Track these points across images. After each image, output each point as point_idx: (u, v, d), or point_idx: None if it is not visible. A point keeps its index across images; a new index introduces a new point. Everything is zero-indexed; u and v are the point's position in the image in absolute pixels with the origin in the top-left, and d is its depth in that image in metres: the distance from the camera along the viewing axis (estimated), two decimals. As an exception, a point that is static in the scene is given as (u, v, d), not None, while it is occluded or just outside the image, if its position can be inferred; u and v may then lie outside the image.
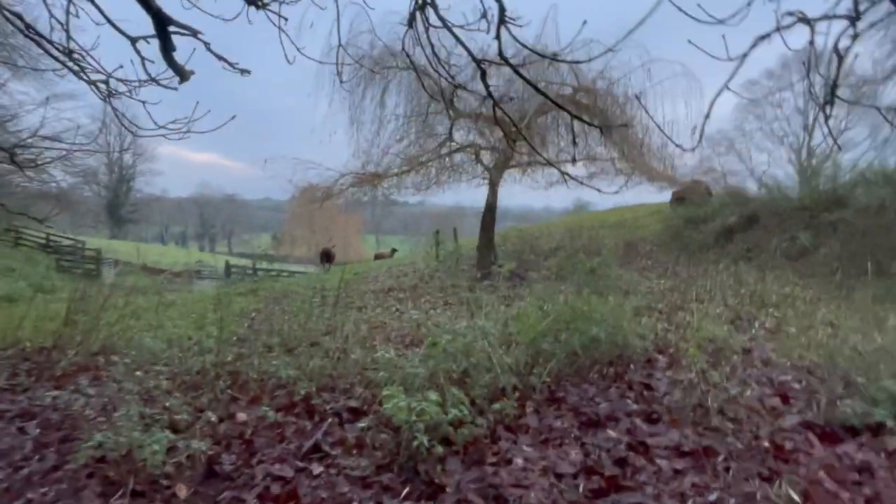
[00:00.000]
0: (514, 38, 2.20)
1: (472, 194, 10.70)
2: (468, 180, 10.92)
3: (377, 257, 22.75)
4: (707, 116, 2.14)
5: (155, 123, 2.70)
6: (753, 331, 5.58)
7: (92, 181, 66.27)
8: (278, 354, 4.51)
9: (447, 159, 10.31)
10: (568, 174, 9.19)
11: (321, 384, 3.78)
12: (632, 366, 4.32)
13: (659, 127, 10.23)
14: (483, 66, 2.22)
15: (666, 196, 15.00)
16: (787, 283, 7.54)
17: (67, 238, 26.58)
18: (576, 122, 10.35)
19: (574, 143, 9.73)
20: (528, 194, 10.26)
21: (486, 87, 2.29)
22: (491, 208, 10.12)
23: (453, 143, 10.57)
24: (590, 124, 9.90)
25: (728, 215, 10.98)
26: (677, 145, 2.20)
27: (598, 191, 10.68)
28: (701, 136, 2.21)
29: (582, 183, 9.84)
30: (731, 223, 10.63)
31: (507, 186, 10.54)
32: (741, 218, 10.47)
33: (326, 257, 22.61)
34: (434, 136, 10.75)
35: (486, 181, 10.59)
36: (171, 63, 2.03)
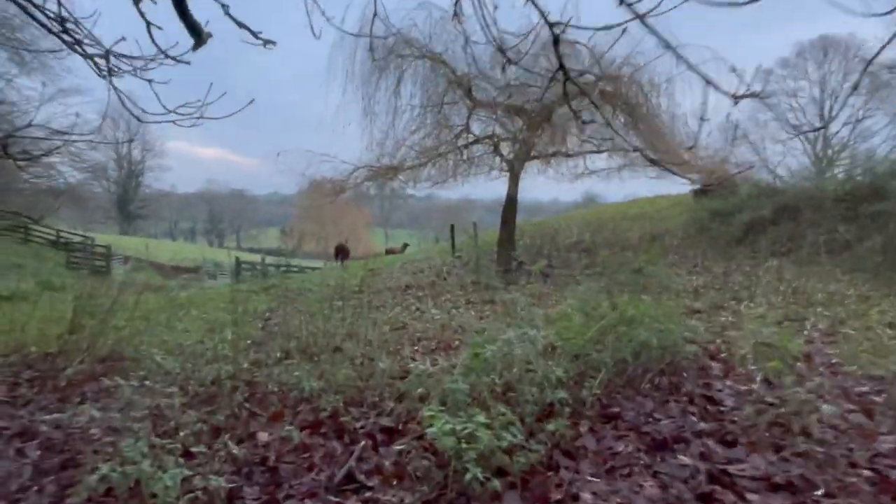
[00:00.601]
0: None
1: (481, 188, 10.32)
2: (486, 172, 10.52)
3: (388, 252, 22.40)
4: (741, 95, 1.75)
5: (164, 107, 2.33)
6: (806, 333, 5.17)
7: (101, 177, 66.53)
8: (298, 362, 4.17)
9: (465, 151, 9.91)
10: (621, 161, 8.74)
11: (348, 397, 3.43)
12: (685, 374, 3.95)
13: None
14: (555, 30, 1.83)
15: (683, 187, 14.52)
16: (832, 280, 7.10)
17: (77, 234, 26.46)
18: (600, 112, 9.92)
19: (579, 119, 9.34)
20: (543, 187, 9.80)
21: (559, 56, 1.89)
22: (512, 201, 9.73)
23: (470, 135, 10.17)
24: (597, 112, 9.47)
25: (758, 207, 10.51)
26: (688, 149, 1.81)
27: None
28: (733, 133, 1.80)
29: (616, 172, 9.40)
30: (762, 215, 10.16)
31: (527, 179, 10.15)
32: (773, 210, 10.00)
33: (341, 253, 22.32)
34: (450, 126, 10.35)
35: (505, 173, 10.19)
36: (186, 19, 1.66)
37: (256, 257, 26.63)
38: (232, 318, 5.40)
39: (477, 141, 9.92)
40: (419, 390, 3.09)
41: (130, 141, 53.57)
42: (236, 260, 19.66)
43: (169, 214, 79.50)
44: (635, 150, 8.77)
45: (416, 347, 5.12)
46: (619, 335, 3.76)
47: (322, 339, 4.95)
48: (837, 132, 36.90)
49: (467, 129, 10.22)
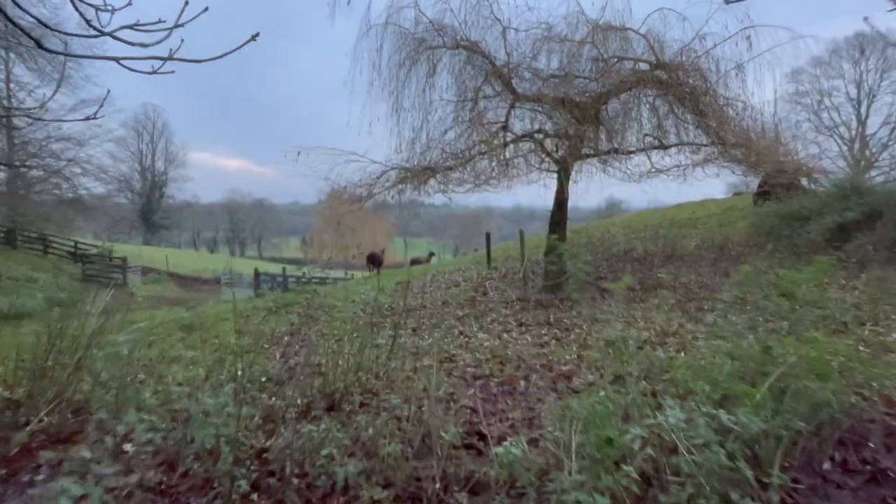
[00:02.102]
0: None
1: (503, 195, 9.02)
2: (531, 173, 9.39)
3: (414, 263, 21.33)
4: None
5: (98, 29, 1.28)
6: None
7: (126, 188, 67.35)
8: (324, 418, 3.09)
9: (509, 149, 8.80)
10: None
11: (400, 487, 2.34)
12: (872, 444, 2.76)
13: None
14: None
15: (711, 189, 13.19)
16: None
17: (94, 245, 26.05)
18: (665, 103, 8.75)
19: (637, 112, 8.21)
20: (597, 190, 8.61)
21: None
22: (562, 205, 8.56)
23: (510, 133, 9.07)
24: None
25: (841, 210, 9.16)
26: None
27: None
28: None
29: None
30: (851, 218, 8.82)
31: (580, 181, 8.97)
32: (864, 213, 8.66)
33: (373, 262, 21.39)
34: (489, 123, 9.26)
35: (551, 174, 9.04)
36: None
37: (278, 267, 25.85)
38: (241, 349, 4.41)
39: (521, 138, 8.80)
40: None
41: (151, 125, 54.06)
42: (255, 272, 18.81)
43: (192, 225, 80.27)
44: (713, 143, 7.57)
45: (472, 390, 4.01)
46: (792, 392, 2.59)
47: (355, 380, 3.89)
48: (875, 133, 34.93)
49: (506, 125, 9.12)
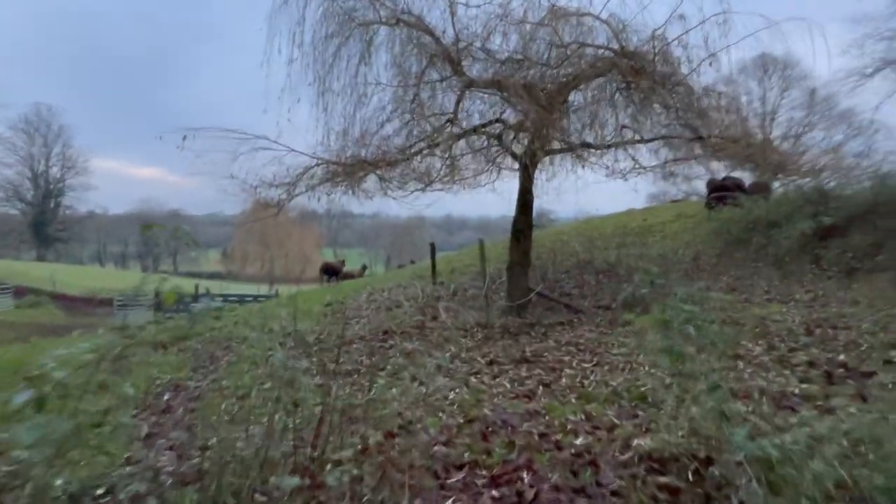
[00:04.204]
0: None
1: (433, 201, 7.51)
2: (484, 173, 8.01)
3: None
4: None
5: None
6: None
7: (13, 197, 59.81)
8: None
9: (460, 144, 7.38)
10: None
11: None
12: None
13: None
14: None
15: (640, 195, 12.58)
16: None
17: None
18: (639, 93, 7.67)
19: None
20: (569, 192, 7.33)
21: None
22: (526, 208, 7.21)
23: (460, 125, 7.67)
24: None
25: (814, 216, 8.51)
26: None
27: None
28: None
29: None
30: (825, 225, 8.16)
31: (546, 180, 7.64)
32: (841, 219, 8.02)
33: (330, 272, 19.18)
34: (435, 115, 7.80)
35: (511, 172, 7.73)
36: None
37: (196, 284, 22.89)
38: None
39: (475, 130, 7.40)
40: None
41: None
42: (155, 293, 16.10)
43: (98, 238, 72.85)
44: (699, 138, 6.52)
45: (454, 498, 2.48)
46: None
47: (259, 481, 2.29)
48: (777, 146, 37.27)
49: (456, 116, 7.70)
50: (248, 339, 6.95)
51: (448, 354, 5.32)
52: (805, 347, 4.77)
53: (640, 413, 3.59)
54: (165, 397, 4.79)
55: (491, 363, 4.96)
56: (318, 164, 6.45)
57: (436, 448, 3.12)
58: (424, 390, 4.34)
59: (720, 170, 9.30)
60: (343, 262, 20.83)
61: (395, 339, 6.24)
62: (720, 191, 11.94)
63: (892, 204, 7.67)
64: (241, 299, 19.23)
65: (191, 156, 5.55)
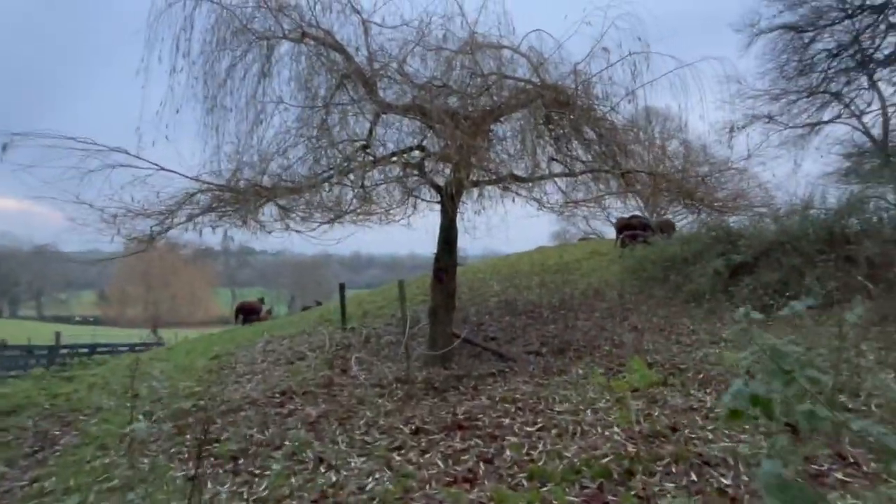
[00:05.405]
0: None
1: (343, 236, 6.68)
2: (398, 206, 7.25)
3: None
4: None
5: None
6: None
7: None
8: None
9: (373, 174, 6.59)
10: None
11: None
12: None
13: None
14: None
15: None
16: None
17: None
18: (565, 126, 7.37)
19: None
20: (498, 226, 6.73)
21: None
22: (450, 243, 6.50)
23: (374, 152, 6.94)
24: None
25: (722, 253, 8.69)
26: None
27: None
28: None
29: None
30: (738, 261, 8.32)
31: (479, 212, 6.97)
32: (755, 255, 8.20)
33: (245, 313, 16.83)
34: (345, 142, 6.97)
35: (431, 205, 7.03)
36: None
37: (65, 330, 19.42)
38: None
39: (392, 157, 6.65)
40: None
41: None
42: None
43: (-63, 277, 61.89)
44: (627, 171, 6.24)
45: None
46: None
47: None
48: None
49: (368, 143, 6.96)
50: (104, 411, 5.49)
51: (363, 422, 4.33)
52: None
53: (610, 498, 2.89)
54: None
55: (416, 432, 4.05)
56: (202, 191, 5.30)
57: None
58: (335, 478, 3.35)
59: (641, 206, 9.31)
60: (262, 301, 18.72)
61: (296, 402, 5.11)
62: (628, 229, 12.16)
63: (794, 242, 7.97)
64: (114, 350, 16.55)
65: (16, 171, 4.18)
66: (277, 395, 5.36)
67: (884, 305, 6.20)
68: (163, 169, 4.78)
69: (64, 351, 14.47)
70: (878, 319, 6.13)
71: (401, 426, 4.18)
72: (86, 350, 15.36)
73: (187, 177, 5.04)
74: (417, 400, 4.89)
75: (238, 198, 5.36)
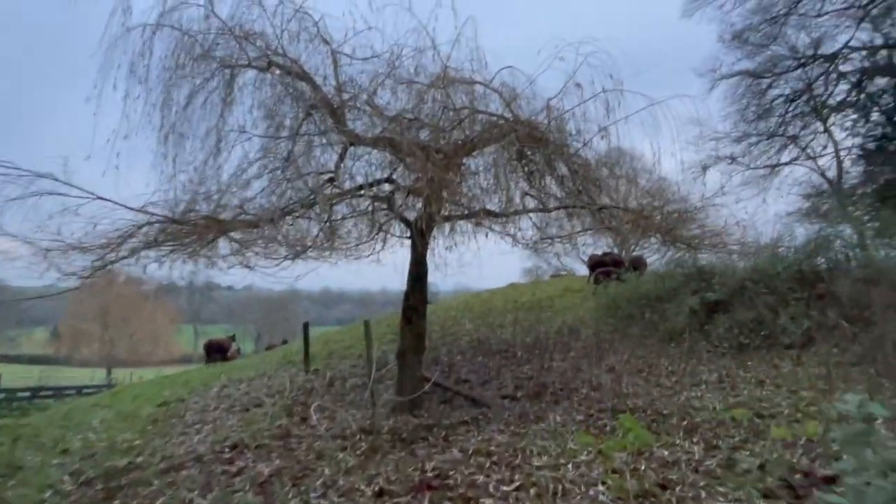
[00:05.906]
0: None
1: (306, 272, 6.35)
2: (366, 242, 6.92)
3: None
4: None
5: None
6: None
7: None
8: None
9: (341, 207, 6.29)
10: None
11: None
12: None
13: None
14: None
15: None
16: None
17: None
18: (538, 161, 7.24)
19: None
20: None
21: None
22: (419, 281, 6.17)
23: (346, 182, 6.66)
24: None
25: (698, 291, 8.61)
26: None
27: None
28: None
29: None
30: (713, 299, 8.22)
31: (450, 248, 6.67)
32: (729, 292, 8.12)
33: (216, 350, 15.75)
34: (311, 173, 6.68)
35: (401, 240, 6.73)
36: None
37: (6, 371, 17.96)
38: None
39: (360, 190, 6.36)
40: None
41: None
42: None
43: None
44: (602, 207, 6.11)
45: None
46: None
47: None
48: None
49: (335, 176, 6.66)
50: (24, 471, 4.85)
51: (320, 482, 3.86)
52: (743, 444, 4.15)
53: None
54: None
55: (380, 494, 3.61)
56: (149, 223, 4.87)
57: None
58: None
59: (612, 243, 9.20)
60: (233, 338, 17.74)
61: (247, 457, 4.60)
62: (601, 266, 12.07)
63: (766, 281, 7.93)
64: (59, 393, 15.37)
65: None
66: (227, 450, 4.82)
67: (863, 345, 6.10)
68: (99, 198, 4.36)
69: (0, 396, 13.28)
70: (858, 359, 6.03)
71: (363, 487, 3.73)
72: (26, 394, 14.17)
73: (129, 208, 4.61)
74: (383, 454, 4.45)
75: (185, 230, 4.95)
